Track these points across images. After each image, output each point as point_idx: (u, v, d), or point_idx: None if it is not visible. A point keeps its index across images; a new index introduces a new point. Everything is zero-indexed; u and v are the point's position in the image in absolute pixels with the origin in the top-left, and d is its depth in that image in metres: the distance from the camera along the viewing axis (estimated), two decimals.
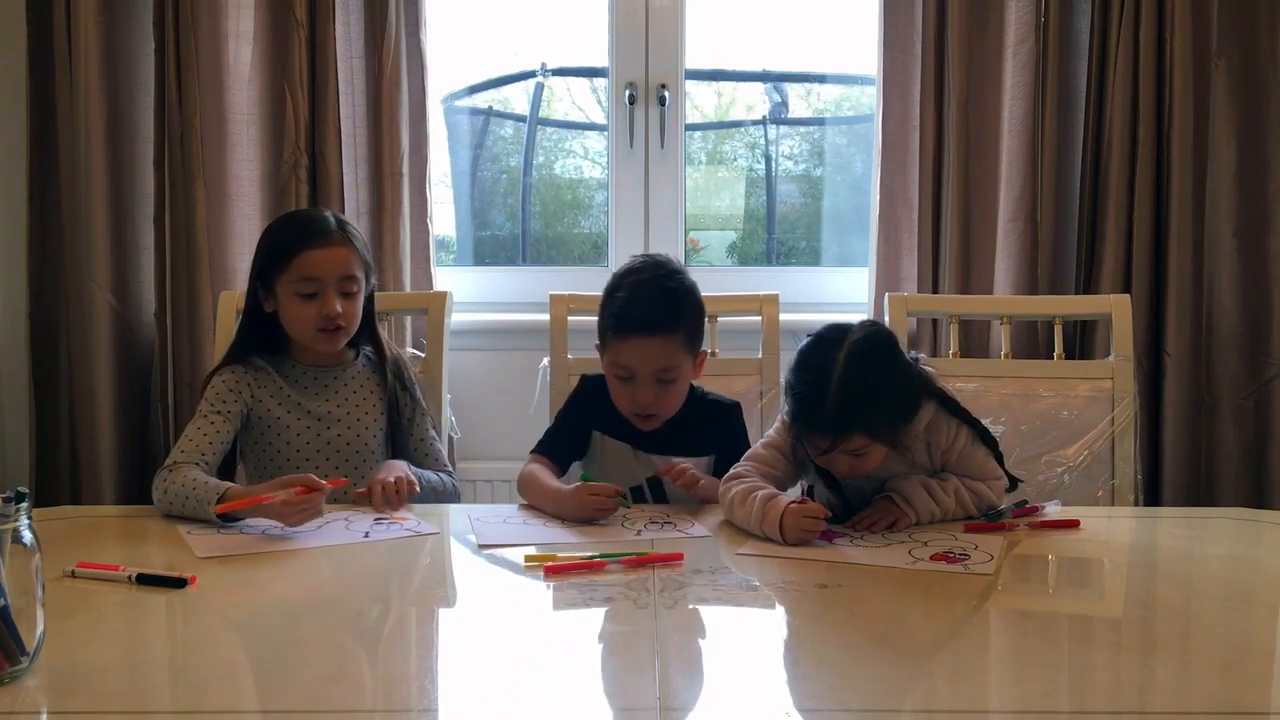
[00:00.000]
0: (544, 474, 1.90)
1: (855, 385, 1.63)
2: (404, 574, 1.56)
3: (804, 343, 1.72)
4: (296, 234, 1.95)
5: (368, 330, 2.05)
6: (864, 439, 1.66)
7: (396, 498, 1.81)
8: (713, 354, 2.27)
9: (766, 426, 2.07)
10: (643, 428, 1.93)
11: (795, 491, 1.85)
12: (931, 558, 1.54)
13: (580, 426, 2.00)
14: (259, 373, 1.98)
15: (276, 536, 1.65)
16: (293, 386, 1.98)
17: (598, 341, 1.95)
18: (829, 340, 1.69)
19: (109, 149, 2.62)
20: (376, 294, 2.11)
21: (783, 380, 1.76)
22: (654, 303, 1.88)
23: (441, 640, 1.32)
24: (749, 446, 1.93)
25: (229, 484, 1.75)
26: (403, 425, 2.06)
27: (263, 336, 2.00)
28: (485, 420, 2.75)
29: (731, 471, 1.79)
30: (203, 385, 2.00)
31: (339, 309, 1.92)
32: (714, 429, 1.98)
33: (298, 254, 1.92)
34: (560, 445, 1.99)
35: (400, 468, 1.91)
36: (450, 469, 2.10)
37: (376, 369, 2.06)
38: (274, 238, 2.00)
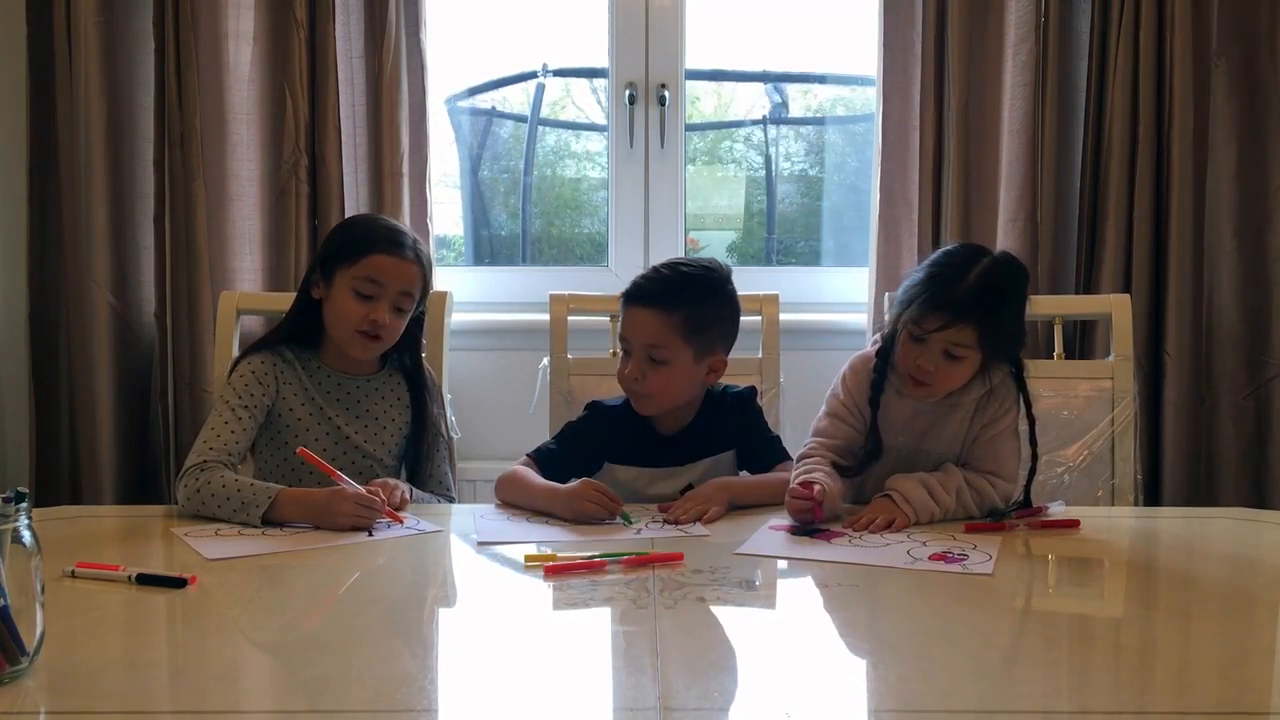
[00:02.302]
0: (532, 473, 1.88)
1: (993, 281, 1.76)
2: (405, 573, 1.56)
3: (947, 246, 1.90)
4: (375, 236, 1.96)
5: (410, 353, 2.05)
6: (971, 336, 1.73)
7: (390, 502, 1.77)
8: None
9: None
10: (638, 409, 1.92)
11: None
12: (930, 558, 1.54)
13: (588, 455, 1.94)
14: (287, 366, 1.97)
15: (280, 538, 1.65)
16: (317, 389, 1.97)
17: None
18: (975, 246, 1.89)
19: (109, 149, 2.62)
20: None
21: (899, 291, 1.82)
22: (660, 278, 1.89)
23: (441, 640, 1.32)
24: (768, 429, 1.99)
25: (279, 486, 1.74)
26: (423, 451, 2.04)
27: (300, 327, 2.00)
28: (485, 420, 2.75)
29: (802, 451, 1.86)
30: (231, 368, 1.99)
31: (387, 319, 1.92)
32: (728, 422, 1.96)
33: (369, 253, 1.93)
34: (557, 464, 1.91)
35: (402, 487, 1.87)
36: (453, 495, 2.10)
37: (404, 386, 2.04)
38: (352, 232, 2.03)
